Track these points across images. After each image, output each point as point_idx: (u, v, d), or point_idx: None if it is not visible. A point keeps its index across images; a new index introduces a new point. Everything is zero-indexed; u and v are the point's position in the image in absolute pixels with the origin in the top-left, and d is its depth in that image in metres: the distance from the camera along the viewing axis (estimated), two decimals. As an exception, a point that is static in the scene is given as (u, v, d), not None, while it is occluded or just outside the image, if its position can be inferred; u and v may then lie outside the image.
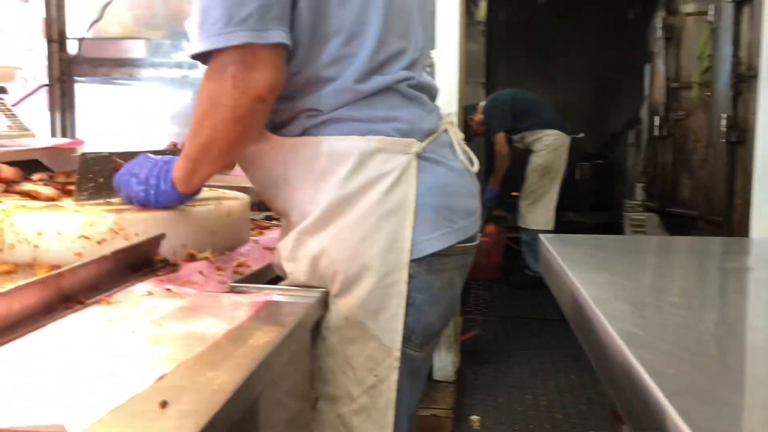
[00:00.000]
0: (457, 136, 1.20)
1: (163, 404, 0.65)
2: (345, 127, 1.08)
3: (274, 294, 1.06)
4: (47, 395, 0.66)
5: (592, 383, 3.31)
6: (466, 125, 4.71)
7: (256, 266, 1.30)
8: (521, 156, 4.99)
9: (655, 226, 4.61)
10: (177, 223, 1.23)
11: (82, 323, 0.88)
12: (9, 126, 1.53)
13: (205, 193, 1.51)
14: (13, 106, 1.65)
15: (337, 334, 1.10)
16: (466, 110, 4.77)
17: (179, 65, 2.35)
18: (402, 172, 1.08)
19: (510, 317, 4.44)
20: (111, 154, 1.35)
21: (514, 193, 5.10)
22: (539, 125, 4.79)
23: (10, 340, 0.81)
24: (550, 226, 4.75)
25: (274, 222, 1.73)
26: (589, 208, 6.01)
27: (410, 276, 1.09)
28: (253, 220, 1.66)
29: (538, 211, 4.80)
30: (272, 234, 1.59)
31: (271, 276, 1.34)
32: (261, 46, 1.00)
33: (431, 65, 2.74)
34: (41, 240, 1.16)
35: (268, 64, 1.01)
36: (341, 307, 1.09)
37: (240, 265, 1.28)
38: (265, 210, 1.87)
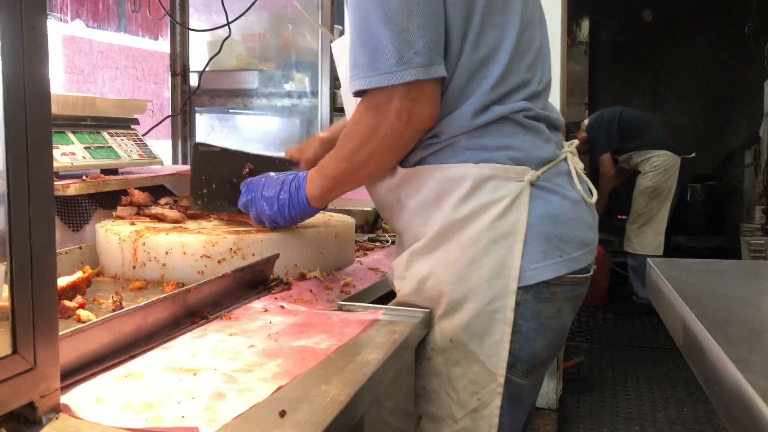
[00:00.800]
0: (577, 165, 1.19)
1: (282, 414, 0.71)
2: (459, 155, 1.11)
3: (381, 313, 1.10)
4: (178, 401, 0.73)
5: (705, 416, 3.11)
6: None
7: (361, 286, 1.35)
8: (628, 177, 4.82)
9: (776, 252, 4.30)
10: (289, 244, 1.31)
11: (207, 336, 0.95)
12: (140, 154, 1.68)
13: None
14: (143, 135, 1.81)
15: (442, 355, 1.12)
16: (568, 128, 4.68)
17: (289, 95, 2.48)
18: (514, 199, 1.09)
19: (615, 345, 4.26)
20: (222, 149, 1.46)
21: (621, 216, 4.91)
22: (647, 145, 4.59)
23: (146, 351, 0.89)
24: (660, 251, 4.53)
25: (378, 244, 1.78)
26: (702, 232, 5.68)
27: (517, 303, 1.08)
28: (357, 241, 1.72)
29: (647, 236, 4.59)
30: (376, 255, 1.64)
31: (377, 295, 1.39)
32: (426, 81, 1.05)
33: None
34: (168, 259, 1.26)
35: (430, 98, 1.07)
36: (446, 328, 1.12)
37: (346, 284, 1.33)
38: (369, 232, 1.93)
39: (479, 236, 1.09)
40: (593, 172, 5.02)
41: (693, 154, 4.71)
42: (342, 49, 1.26)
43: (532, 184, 1.10)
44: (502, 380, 1.09)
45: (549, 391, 2.99)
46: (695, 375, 0.73)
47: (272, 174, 1.30)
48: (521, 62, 1.14)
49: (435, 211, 1.13)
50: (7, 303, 0.65)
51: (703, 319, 0.72)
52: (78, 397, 0.73)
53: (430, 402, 1.14)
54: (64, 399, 0.71)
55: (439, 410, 1.13)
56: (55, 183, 1.45)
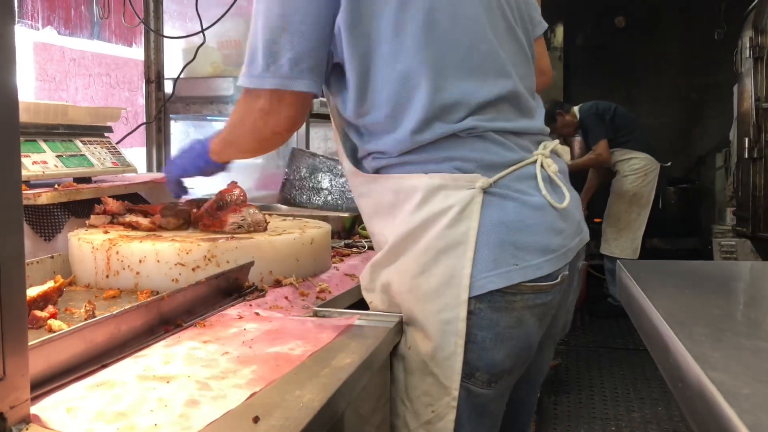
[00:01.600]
0: (549, 168, 1.16)
1: (256, 419, 0.71)
2: (408, 167, 1.13)
3: (356, 318, 1.10)
4: (151, 409, 0.73)
5: (679, 415, 3.16)
6: (551, 118, 4.53)
7: (337, 292, 1.36)
8: (606, 179, 4.85)
9: (747, 252, 4.38)
10: (264, 251, 1.31)
11: (181, 344, 0.95)
12: (114, 162, 1.67)
13: (289, 222, 1.60)
14: (117, 143, 1.79)
15: (401, 362, 1.13)
16: (556, 105, 4.67)
17: (265, 101, 2.48)
18: (464, 207, 1.07)
19: (592, 346, 4.31)
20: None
21: (597, 220, 4.96)
22: (633, 145, 4.57)
23: (118, 360, 0.89)
24: (636, 255, 4.57)
25: (354, 249, 1.79)
26: (676, 234, 5.77)
27: (471, 313, 1.06)
28: (334, 247, 1.72)
29: (624, 239, 4.60)
30: (352, 261, 1.65)
31: (353, 301, 1.39)
32: (287, 92, 1.12)
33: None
34: (142, 267, 1.26)
35: (291, 106, 1.14)
36: (408, 336, 1.13)
37: (322, 290, 1.34)
38: (345, 238, 1.93)
39: (429, 246, 1.08)
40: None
41: (669, 163, 4.76)
42: None
43: (485, 191, 1.08)
44: (456, 393, 1.08)
45: (527, 394, 3.00)
46: (662, 373, 0.75)
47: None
48: (457, 72, 1.11)
49: (390, 221, 1.15)
50: (-25, 314, 0.65)
51: (668, 318, 0.74)
52: (48, 408, 0.72)
53: (391, 410, 1.16)
54: (34, 409, 0.71)
55: (395, 418, 1.15)
56: (26, 192, 1.43)
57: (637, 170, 4.56)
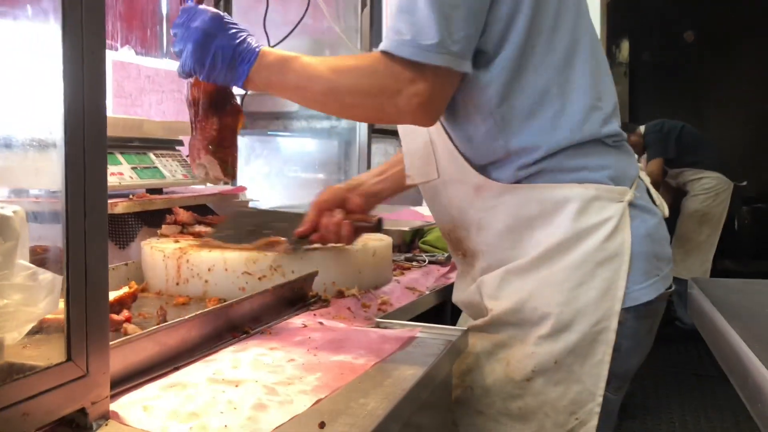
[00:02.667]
0: (646, 180, 1.21)
1: (322, 425, 0.72)
2: (560, 176, 1.12)
3: (418, 331, 1.11)
4: (221, 411, 0.75)
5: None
6: None
7: (398, 304, 1.36)
8: (674, 198, 4.71)
9: (827, 276, 4.15)
10: (328, 262, 1.33)
11: (248, 350, 0.97)
12: (184, 175, 1.73)
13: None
14: (187, 156, 1.86)
15: (543, 376, 1.12)
16: (623, 127, 4.59)
17: (328, 117, 2.53)
18: (619, 219, 1.10)
19: (659, 372, 4.16)
20: (259, 210, 1.52)
21: (664, 240, 4.80)
22: (703, 165, 4.45)
23: (189, 363, 0.92)
24: (706, 277, 4.42)
25: (415, 263, 1.79)
26: (750, 256, 5.52)
27: (619, 323, 1.09)
28: (394, 261, 1.73)
29: (693, 260, 4.44)
30: (413, 274, 1.65)
31: (414, 314, 1.39)
32: (452, 72, 1.04)
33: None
34: (211, 275, 1.30)
35: (448, 93, 1.08)
36: (552, 349, 1.11)
37: (384, 302, 1.35)
38: (406, 252, 1.94)
39: (587, 258, 1.09)
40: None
41: (744, 183, 4.58)
42: None
43: (630, 204, 1.12)
44: (600, 400, 1.10)
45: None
46: (739, 395, 0.72)
47: (228, 23, 1.14)
48: (603, 76, 1.16)
49: (528, 233, 1.14)
50: (61, 315, 0.68)
51: (746, 337, 0.71)
52: (126, 405, 0.75)
53: (525, 422, 1.14)
54: (113, 406, 0.74)
55: (535, 430, 1.13)
56: (105, 202, 1.50)
57: (708, 189, 4.42)
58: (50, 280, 0.65)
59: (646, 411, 3.52)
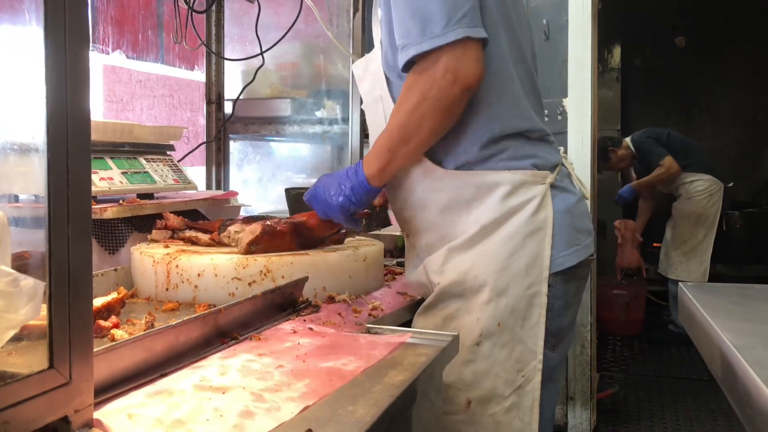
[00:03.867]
0: (570, 167, 1.42)
1: (309, 432, 0.71)
2: (491, 164, 1.28)
3: (408, 336, 1.10)
4: (207, 418, 0.74)
5: (748, 452, 3.00)
6: (604, 156, 4.50)
7: (389, 310, 1.36)
8: (663, 202, 4.73)
9: (819, 280, 4.17)
10: (318, 267, 1.32)
11: (236, 356, 0.96)
12: (175, 179, 1.72)
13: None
14: (178, 161, 1.85)
15: (489, 339, 1.26)
16: (606, 141, 4.60)
17: (320, 122, 2.52)
18: (542, 198, 1.28)
19: (652, 376, 4.15)
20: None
21: (656, 244, 4.82)
22: (693, 168, 4.48)
23: (176, 370, 0.91)
24: (705, 278, 4.41)
25: (407, 268, 1.78)
26: (741, 261, 5.53)
27: (550, 286, 1.27)
28: (386, 266, 1.72)
29: (693, 262, 4.45)
30: (404, 279, 1.64)
31: (405, 319, 1.39)
32: (472, 41, 1.17)
33: (563, 112, 2.72)
34: (201, 281, 1.29)
35: (477, 57, 1.18)
36: (493, 313, 1.26)
37: (374, 308, 1.34)
38: (398, 257, 1.94)
39: (517, 231, 1.26)
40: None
41: (731, 184, 4.61)
42: (364, 67, 1.41)
43: (552, 186, 1.30)
44: (541, 357, 1.26)
45: (583, 422, 2.92)
46: (729, 400, 0.71)
47: (325, 174, 1.38)
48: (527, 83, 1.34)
49: (465, 212, 1.29)
50: (44, 321, 0.67)
51: (736, 342, 0.71)
52: (110, 413, 0.74)
53: (478, 385, 1.26)
54: (97, 414, 0.73)
55: (489, 391, 1.26)
56: (93, 207, 1.49)
57: (701, 191, 4.44)
58: (32, 286, 0.64)
59: (639, 415, 3.52)
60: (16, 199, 0.89)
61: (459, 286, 1.29)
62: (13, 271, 0.64)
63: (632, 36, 6.23)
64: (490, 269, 1.26)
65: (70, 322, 0.68)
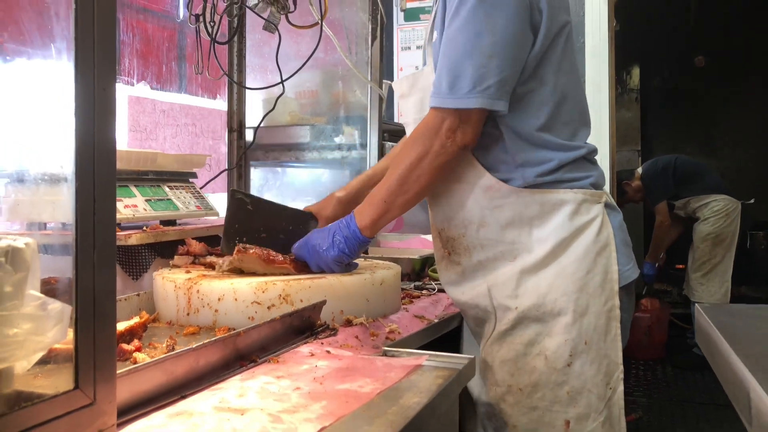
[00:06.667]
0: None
1: (324, 452, 0.72)
2: (558, 184, 1.34)
3: (425, 359, 1.11)
4: (228, 438, 0.76)
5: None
6: (620, 191, 4.55)
7: (406, 333, 1.37)
8: (685, 227, 4.69)
9: None
10: (336, 291, 1.34)
11: (255, 379, 0.98)
12: (197, 206, 1.76)
13: (360, 262, 1.63)
14: (200, 188, 1.90)
15: (579, 358, 1.30)
16: (620, 175, 4.62)
17: (339, 147, 2.56)
18: (603, 216, 1.35)
19: (676, 401, 4.08)
20: (255, 198, 1.58)
21: (679, 266, 4.77)
22: (707, 189, 4.47)
23: (196, 392, 0.93)
24: (726, 299, 4.35)
25: (424, 291, 1.80)
26: (766, 282, 5.44)
27: (619, 300, 1.33)
28: (404, 289, 1.74)
29: (713, 284, 4.40)
30: (422, 303, 1.66)
31: (422, 343, 1.40)
32: (476, 110, 1.27)
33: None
34: (221, 305, 1.31)
35: (478, 123, 1.30)
36: (579, 332, 1.30)
37: (392, 331, 1.35)
38: (415, 280, 1.95)
39: (588, 250, 1.32)
40: (648, 220, 4.92)
41: (752, 200, 4.57)
42: (411, 84, 1.48)
43: (605, 204, 1.36)
44: (622, 367, 1.32)
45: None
46: (743, 423, 0.71)
47: (315, 230, 1.44)
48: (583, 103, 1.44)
49: (527, 230, 1.34)
50: (69, 345, 0.70)
51: (750, 364, 0.71)
52: (133, 434, 0.76)
53: (576, 404, 1.30)
54: (120, 435, 0.75)
55: (585, 408, 1.30)
56: (118, 233, 1.54)
57: (718, 212, 4.40)
58: (59, 309, 0.67)
59: (664, 441, 3.46)
60: (45, 226, 0.93)
61: (538, 309, 1.32)
62: (42, 296, 0.67)
63: (651, 56, 6.24)
64: (569, 290, 1.31)
65: (95, 345, 0.71)
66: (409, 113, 1.50)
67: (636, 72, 6.25)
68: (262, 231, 1.50)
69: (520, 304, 1.34)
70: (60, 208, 0.73)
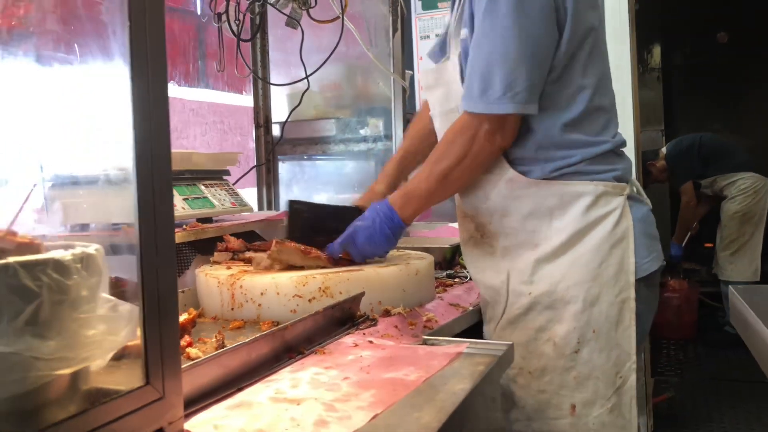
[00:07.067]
0: (635, 182, 1.48)
1: (380, 438, 0.76)
2: (578, 176, 1.37)
3: (465, 346, 1.14)
4: (286, 428, 0.80)
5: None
6: (645, 171, 4.53)
7: (443, 321, 1.41)
8: (712, 205, 4.66)
9: None
10: (373, 282, 1.38)
11: (305, 370, 1.03)
12: (232, 203, 1.81)
13: (394, 253, 1.66)
14: (233, 185, 1.94)
15: (587, 346, 1.34)
16: (645, 156, 4.60)
17: (364, 139, 2.60)
18: (622, 209, 1.36)
19: (708, 379, 4.08)
20: (310, 205, 1.65)
21: (708, 245, 4.74)
22: (733, 167, 4.43)
23: (251, 384, 0.97)
24: (756, 277, 4.32)
25: (457, 280, 1.83)
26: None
27: (636, 292, 1.35)
28: (436, 278, 1.77)
29: (742, 262, 4.38)
30: (455, 291, 1.69)
31: (459, 330, 1.43)
32: (512, 115, 1.32)
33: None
34: (263, 299, 1.36)
35: (514, 128, 1.35)
36: (588, 320, 1.34)
37: (429, 320, 1.39)
38: (446, 269, 1.98)
39: (603, 241, 1.35)
40: (674, 201, 4.89)
41: None
42: (436, 77, 1.51)
43: (628, 197, 1.38)
44: (635, 357, 1.35)
45: (640, 426, 2.89)
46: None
47: (358, 223, 1.47)
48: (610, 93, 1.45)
49: (546, 220, 1.38)
50: (136, 341, 0.75)
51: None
52: (198, 425, 0.81)
53: (582, 389, 1.35)
54: (187, 426, 0.80)
55: (592, 394, 1.35)
56: (160, 233, 1.58)
57: (746, 189, 4.36)
58: (129, 310, 0.71)
59: (696, 420, 3.46)
60: (109, 227, 0.97)
61: (550, 296, 1.37)
62: (113, 298, 0.72)
63: (672, 34, 6.16)
64: (581, 279, 1.34)
65: (162, 342, 0.75)
66: (435, 105, 1.55)
67: (657, 51, 6.17)
68: (318, 232, 1.56)
69: (534, 290, 1.39)
70: (119, 210, 0.77)
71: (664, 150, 4.71)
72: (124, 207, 0.79)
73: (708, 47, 6.14)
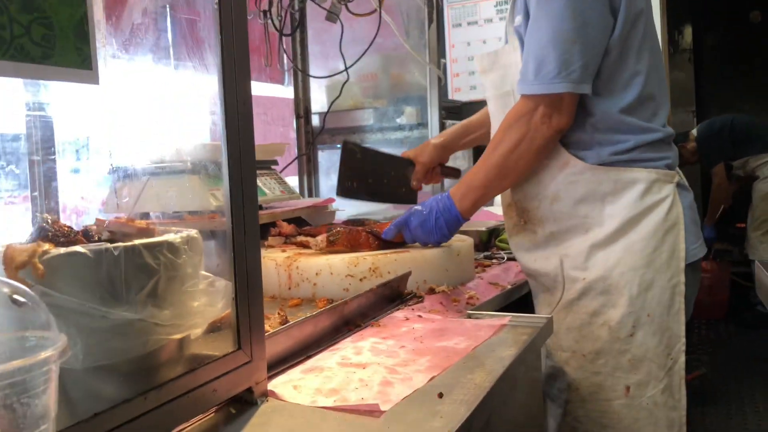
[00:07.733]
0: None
1: (440, 395, 0.87)
2: (633, 163, 1.40)
3: (508, 320, 1.25)
4: (356, 387, 0.91)
5: None
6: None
7: (484, 298, 1.51)
8: (743, 185, 4.66)
9: None
10: (419, 263, 1.49)
11: (365, 340, 1.14)
12: (282, 191, 1.93)
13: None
14: (281, 171, 2.06)
15: (642, 329, 1.39)
16: (676, 138, 4.61)
17: (401, 128, 2.70)
18: (673, 196, 1.40)
19: (741, 358, 4.12)
20: (363, 148, 1.78)
21: (739, 225, 4.75)
22: (765, 148, 4.43)
23: (319, 352, 1.09)
24: None
25: (494, 261, 1.93)
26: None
27: (685, 276, 1.39)
28: (475, 259, 1.87)
29: None
30: (494, 271, 1.79)
31: (498, 307, 1.53)
32: (567, 94, 1.35)
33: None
34: (319, 279, 1.48)
35: (570, 109, 1.37)
36: (643, 305, 1.38)
37: (471, 297, 1.49)
38: (483, 251, 2.08)
39: (657, 228, 1.39)
40: (705, 182, 4.89)
41: None
42: (492, 61, 1.55)
43: (677, 184, 1.42)
44: (684, 339, 1.40)
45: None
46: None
47: (416, 209, 1.56)
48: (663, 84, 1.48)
49: (599, 206, 1.41)
50: (225, 312, 0.86)
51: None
52: (279, 385, 0.93)
53: (636, 371, 1.40)
54: (269, 387, 0.92)
55: (646, 376, 1.40)
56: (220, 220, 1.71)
57: None
58: (224, 285, 0.83)
59: (728, 397, 3.52)
60: (203, 213, 1.08)
61: (604, 281, 1.40)
62: (210, 275, 0.84)
63: (704, 14, 6.10)
64: (636, 265, 1.38)
65: (250, 312, 0.87)
66: (489, 89, 1.59)
67: (688, 31, 6.13)
68: (369, 176, 1.68)
69: (588, 275, 1.42)
70: (214, 199, 0.89)
71: (694, 132, 4.72)
72: (203, 197, 0.91)
73: (740, 27, 6.08)
